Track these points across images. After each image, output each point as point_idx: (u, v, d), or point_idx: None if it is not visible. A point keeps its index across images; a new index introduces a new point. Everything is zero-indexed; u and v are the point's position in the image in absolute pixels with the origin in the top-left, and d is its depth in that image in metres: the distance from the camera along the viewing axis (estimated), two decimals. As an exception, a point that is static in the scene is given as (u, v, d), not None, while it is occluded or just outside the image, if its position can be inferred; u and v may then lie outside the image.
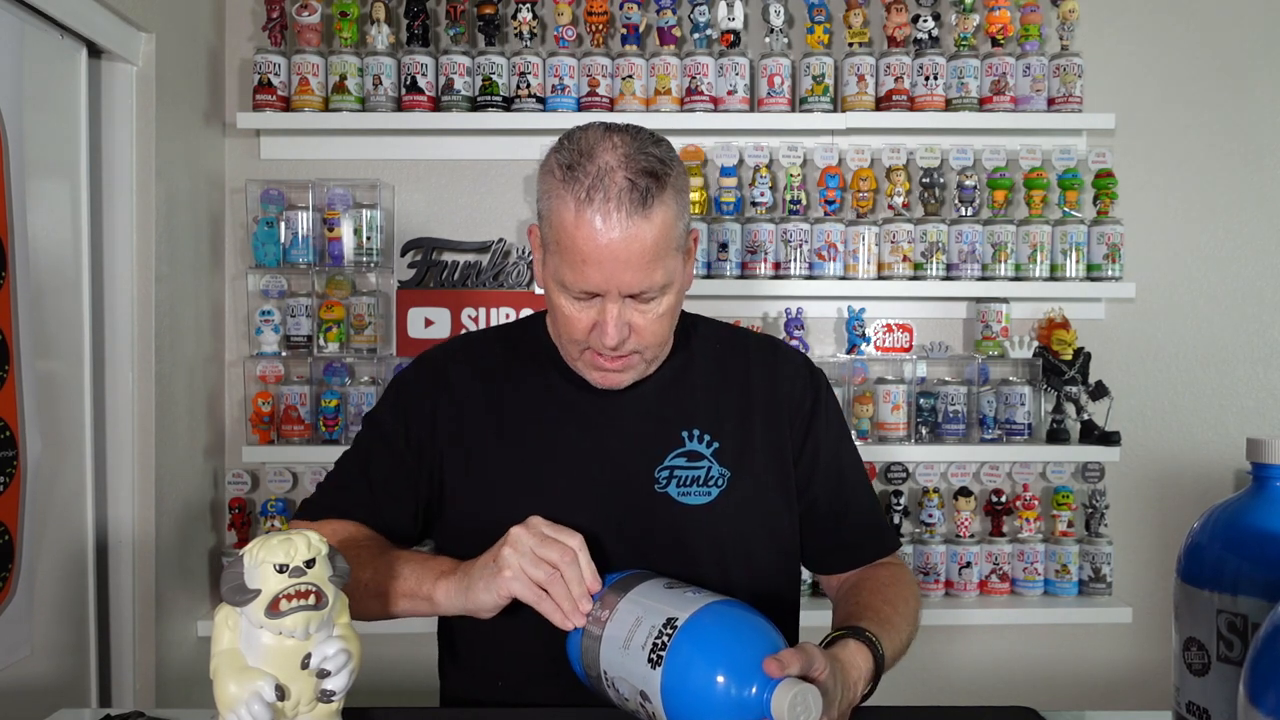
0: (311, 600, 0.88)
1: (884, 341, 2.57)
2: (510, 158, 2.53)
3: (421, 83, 2.42)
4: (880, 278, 2.46)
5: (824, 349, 2.58)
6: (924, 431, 2.48)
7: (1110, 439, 2.44)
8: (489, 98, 2.41)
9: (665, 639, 0.95)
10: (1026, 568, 2.49)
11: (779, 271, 2.45)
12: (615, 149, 1.11)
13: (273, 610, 0.87)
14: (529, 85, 2.41)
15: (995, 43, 2.48)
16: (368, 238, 2.45)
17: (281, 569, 0.88)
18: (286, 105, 2.43)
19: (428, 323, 2.51)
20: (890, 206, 2.49)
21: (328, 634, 0.92)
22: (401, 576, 1.15)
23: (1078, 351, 2.50)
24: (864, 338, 2.52)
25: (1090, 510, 2.53)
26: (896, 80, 2.44)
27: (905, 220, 2.46)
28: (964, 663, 2.59)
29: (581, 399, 1.25)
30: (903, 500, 2.51)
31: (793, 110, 2.47)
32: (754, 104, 2.47)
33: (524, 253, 2.52)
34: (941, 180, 2.51)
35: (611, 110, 2.43)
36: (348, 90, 2.42)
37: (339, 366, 2.47)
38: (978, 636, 2.58)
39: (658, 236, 1.11)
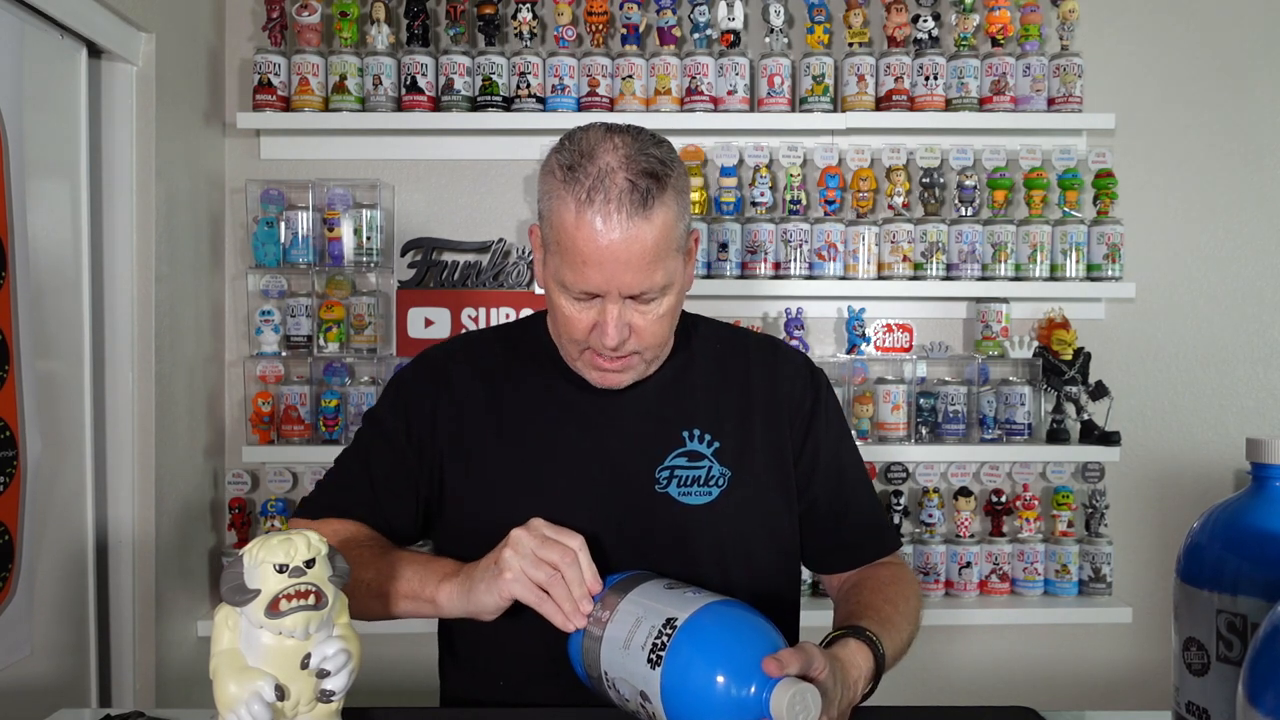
0: (311, 600, 0.88)
1: (884, 341, 2.57)
2: (510, 158, 2.53)
3: (421, 83, 2.42)
4: (880, 278, 2.46)
5: (824, 349, 2.58)
6: (924, 431, 2.48)
7: (1110, 439, 2.44)
8: (489, 98, 2.42)
9: (665, 639, 0.95)
10: (1026, 568, 2.49)
11: (779, 271, 2.45)
12: (616, 150, 1.11)
13: (273, 610, 0.87)
14: (529, 85, 2.41)
15: (995, 43, 2.48)
16: (368, 238, 2.45)
17: (281, 569, 0.88)
18: (286, 105, 2.43)
19: (428, 323, 2.51)
20: (890, 206, 2.49)
21: (328, 634, 0.92)
22: (404, 578, 1.15)
23: (1078, 351, 2.50)
24: (864, 338, 2.52)
25: (1090, 510, 2.53)
26: (896, 80, 2.44)
27: (905, 220, 2.46)
28: (964, 663, 2.59)
29: (582, 399, 1.25)
30: (903, 500, 2.51)
31: (793, 110, 2.47)
32: (754, 104, 2.47)
33: (524, 253, 2.52)
34: (941, 180, 2.51)
35: (611, 110, 2.43)
36: (348, 90, 2.42)
37: (339, 366, 2.47)
38: (978, 636, 2.58)
39: (658, 237, 1.11)
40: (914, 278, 2.45)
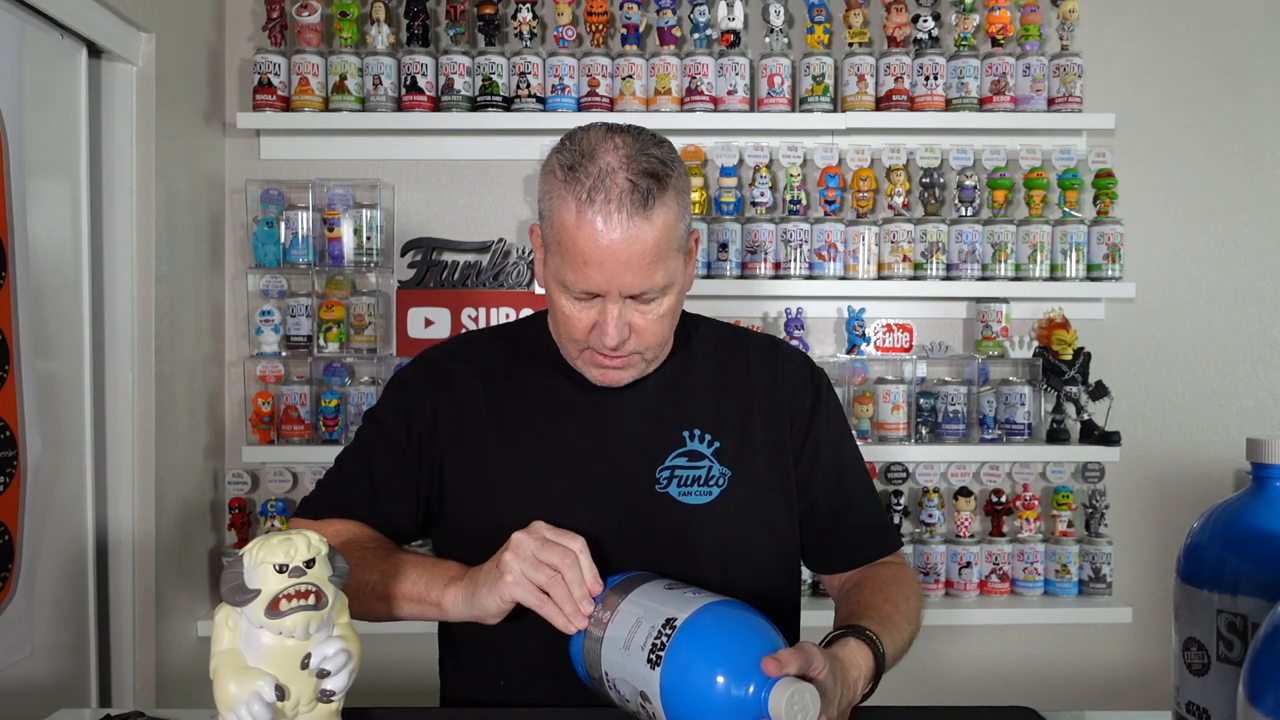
0: (311, 600, 0.88)
1: (884, 341, 2.57)
2: (510, 158, 2.53)
3: (421, 83, 2.42)
4: (880, 278, 2.46)
5: (824, 349, 2.58)
6: (924, 431, 2.48)
7: (1110, 439, 2.44)
8: (489, 98, 2.42)
9: (664, 639, 0.95)
10: (1026, 568, 2.49)
11: (779, 271, 2.45)
12: (617, 150, 1.11)
13: (273, 610, 0.87)
14: (529, 85, 2.41)
15: (995, 43, 2.48)
16: (368, 238, 2.45)
17: (281, 569, 0.88)
18: (286, 105, 2.43)
19: (428, 323, 2.51)
20: (890, 206, 2.49)
21: (328, 634, 0.92)
22: (410, 581, 1.15)
23: (1078, 351, 2.50)
24: (864, 338, 2.52)
25: (1090, 510, 2.53)
26: (896, 80, 2.44)
27: (905, 220, 2.46)
28: (964, 663, 2.59)
29: (582, 399, 1.25)
30: (903, 500, 2.51)
31: (793, 110, 2.47)
32: (754, 104, 2.47)
33: (524, 253, 2.52)
34: (941, 180, 2.51)
35: (611, 110, 2.43)
36: (348, 90, 2.42)
37: (339, 366, 2.47)
38: (978, 636, 2.58)
39: (659, 237, 1.11)
40: (914, 278, 2.45)
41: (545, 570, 1.05)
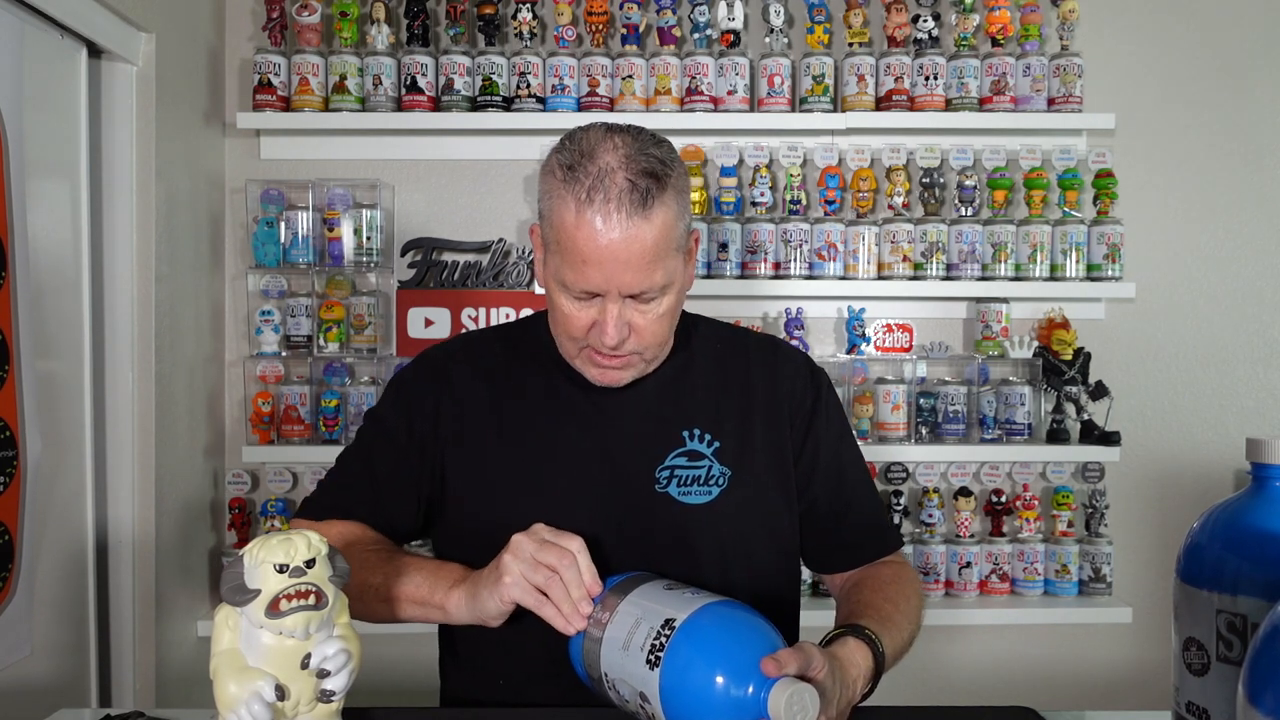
0: (311, 600, 0.88)
1: (884, 341, 2.57)
2: (510, 158, 2.53)
3: (421, 83, 2.42)
4: (880, 278, 2.46)
5: (824, 349, 2.58)
6: (924, 431, 2.48)
7: (1110, 439, 2.44)
8: (489, 98, 2.42)
9: (663, 640, 0.95)
10: (1026, 568, 2.49)
11: (779, 271, 2.45)
12: (616, 149, 1.11)
13: (273, 610, 0.87)
14: (529, 85, 2.41)
15: (995, 43, 2.48)
16: (368, 238, 2.45)
17: (281, 569, 0.88)
18: (286, 105, 2.43)
19: (428, 323, 2.52)
20: (890, 206, 2.49)
21: (328, 634, 0.92)
22: (414, 584, 1.15)
23: (1078, 351, 2.50)
24: (864, 338, 2.52)
25: (1090, 510, 2.53)
26: (896, 80, 2.44)
27: (905, 220, 2.46)
28: (964, 663, 2.59)
29: (582, 399, 1.25)
30: (903, 500, 2.51)
31: (793, 110, 2.47)
32: (754, 104, 2.47)
33: (524, 253, 2.52)
34: (941, 180, 2.51)
35: (611, 110, 2.43)
36: (348, 90, 2.42)
37: (339, 366, 2.47)
38: (978, 636, 2.58)
39: (658, 237, 1.11)
40: (914, 278, 2.45)
41: (543, 571, 1.05)
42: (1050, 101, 2.45)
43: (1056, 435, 2.48)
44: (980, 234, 2.45)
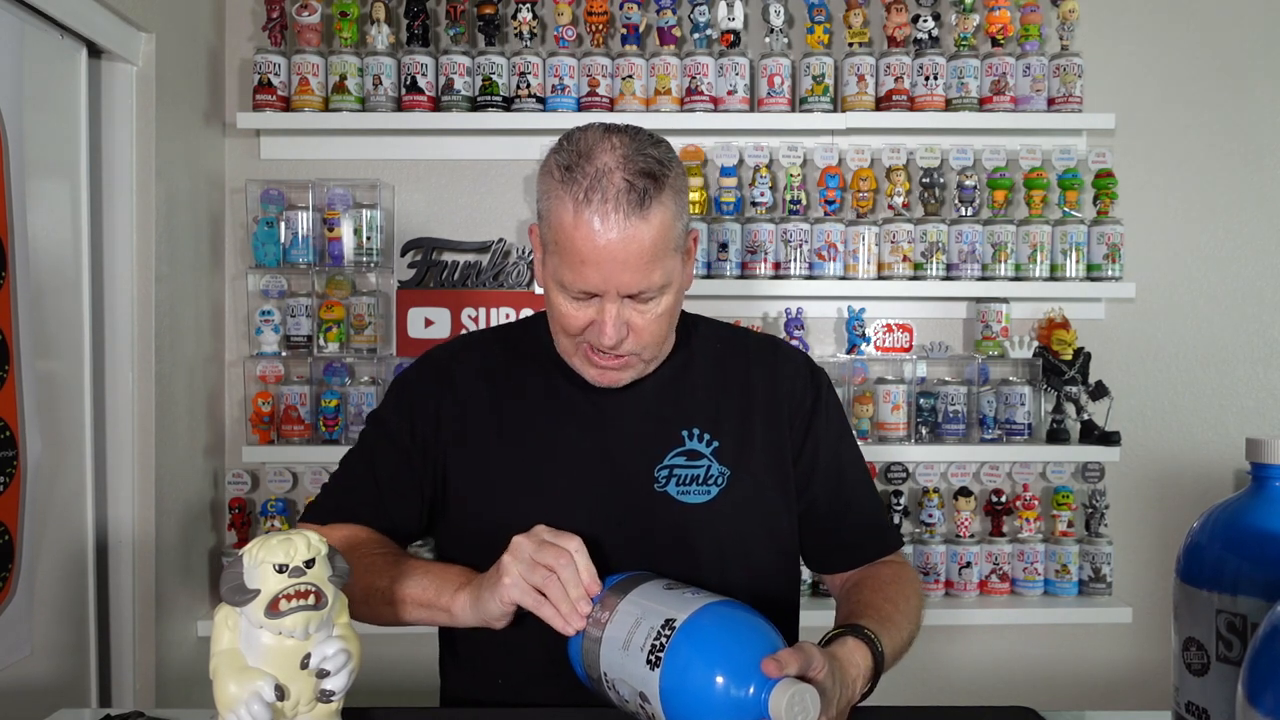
0: (311, 600, 0.88)
1: (884, 341, 2.57)
2: (510, 158, 2.53)
3: (421, 83, 2.42)
4: (880, 278, 2.46)
5: (824, 349, 2.58)
6: (924, 431, 2.48)
7: (1110, 439, 2.44)
8: (489, 98, 2.42)
9: (664, 640, 0.95)
10: (1026, 568, 2.49)
11: (779, 271, 2.45)
12: (614, 150, 1.11)
13: (272, 610, 0.87)
14: (529, 85, 2.41)
15: (995, 43, 2.48)
16: (368, 238, 2.45)
17: (281, 569, 0.88)
18: (286, 105, 2.43)
19: (428, 323, 2.52)
20: (890, 206, 2.49)
21: (327, 634, 0.92)
22: (420, 586, 1.16)
23: (1078, 351, 2.50)
24: (864, 338, 2.52)
25: (1090, 510, 2.53)
26: (896, 80, 2.44)
27: (905, 220, 2.46)
28: (964, 663, 2.59)
29: (582, 399, 1.25)
30: (903, 500, 2.51)
31: (793, 110, 2.47)
32: (754, 104, 2.47)
33: (524, 253, 2.52)
34: (941, 180, 2.51)
35: (611, 110, 2.43)
36: (348, 90, 2.42)
37: (339, 366, 2.47)
38: (978, 636, 2.58)
39: (655, 237, 1.11)
40: (914, 278, 2.45)
41: (541, 571, 1.05)
42: (1050, 101, 2.45)
43: (1056, 435, 2.47)
44: (980, 234, 2.45)
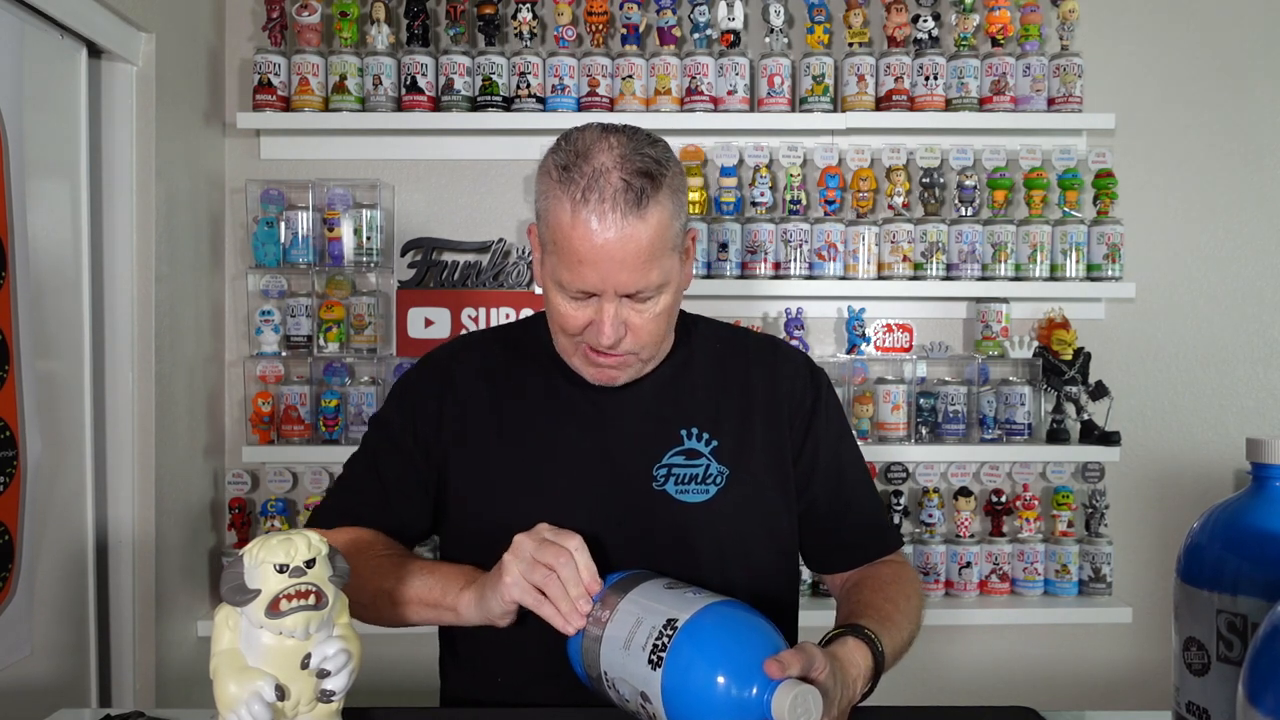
0: (311, 600, 0.88)
1: (884, 341, 2.57)
2: (510, 158, 2.53)
3: (421, 83, 2.42)
4: (880, 278, 2.46)
5: (824, 349, 2.58)
6: (924, 431, 2.48)
7: (1110, 439, 2.44)
8: (489, 98, 2.41)
9: (666, 640, 0.95)
10: (1026, 568, 2.49)
11: (779, 271, 2.45)
12: (611, 150, 1.11)
13: (273, 610, 0.87)
14: (529, 85, 2.41)
15: (995, 43, 2.48)
16: (368, 238, 2.45)
17: (281, 569, 0.88)
18: (286, 105, 2.43)
19: (428, 323, 2.51)
20: (890, 206, 2.49)
21: (328, 634, 0.92)
22: (425, 587, 1.16)
23: (1078, 351, 2.50)
24: (864, 338, 2.52)
25: (1090, 510, 2.53)
26: (896, 80, 2.44)
27: (905, 220, 2.46)
28: (964, 663, 2.59)
29: (582, 399, 1.25)
30: (903, 500, 2.51)
31: (793, 110, 2.47)
32: (754, 104, 2.47)
33: (524, 253, 2.52)
34: (941, 180, 2.51)
35: (611, 110, 2.43)
36: (348, 90, 2.42)
37: (339, 366, 2.47)
38: (978, 636, 2.58)
39: (653, 237, 1.11)
40: (914, 278, 2.45)
41: (541, 570, 1.05)
42: (1050, 101, 2.45)
43: (1056, 435, 2.47)
44: (980, 234, 2.45)
